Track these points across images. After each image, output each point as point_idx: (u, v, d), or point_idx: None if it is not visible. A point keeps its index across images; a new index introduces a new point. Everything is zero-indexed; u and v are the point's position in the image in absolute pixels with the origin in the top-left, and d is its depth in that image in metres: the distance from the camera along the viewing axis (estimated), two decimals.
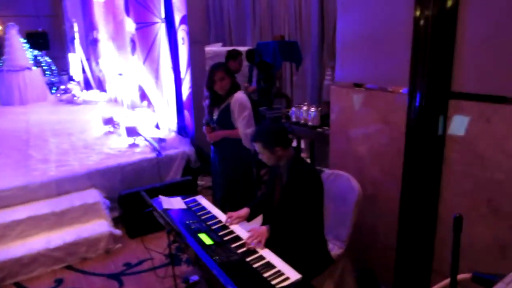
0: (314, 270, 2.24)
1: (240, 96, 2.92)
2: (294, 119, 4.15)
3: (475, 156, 2.02)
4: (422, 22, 2.10)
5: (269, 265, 1.90)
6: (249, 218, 2.40)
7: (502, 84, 1.86)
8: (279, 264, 1.91)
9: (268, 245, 2.07)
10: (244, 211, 2.39)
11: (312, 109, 3.88)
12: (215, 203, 3.17)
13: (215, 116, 3.00)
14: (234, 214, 2.35)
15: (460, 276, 0.69)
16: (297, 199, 2.16)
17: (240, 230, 2.27)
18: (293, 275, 1.80)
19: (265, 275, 1.82)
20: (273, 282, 1.76)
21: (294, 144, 4.73)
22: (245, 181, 3.07)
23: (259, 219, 2.47)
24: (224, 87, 2.88)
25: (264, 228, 2.13)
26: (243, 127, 2.91)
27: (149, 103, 6.09)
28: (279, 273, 1.83)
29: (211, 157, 3.26)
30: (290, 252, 2.09)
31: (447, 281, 0.71)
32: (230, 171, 3.02)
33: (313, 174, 2.23)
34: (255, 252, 2.02)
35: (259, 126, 2.31)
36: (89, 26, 9.47)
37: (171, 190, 3.68)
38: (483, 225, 2.04)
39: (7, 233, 3.34)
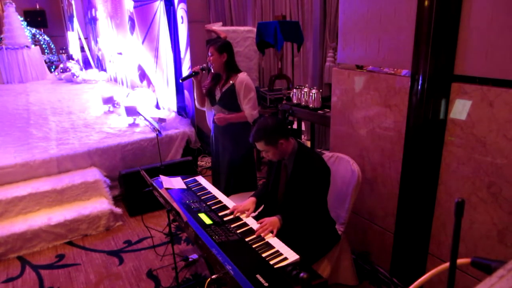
0: (325, 250, 2.28)
1: (244, 77, 2.91)
2: (295, 101, 4.13)
3: (476, 140, 2.01)
4: (426, 2, 2.06)
5: (268, 246, 1.92)
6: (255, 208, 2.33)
7: (507, 68, 1.84)
8: (278, 244, 1.93)
9: (280, 233, 2.03)
10: (250, 202, 2.31)
11: (313, 91, 3.85)
12: (215, 183, 3.19)
13: (217, 96, 2.98)
14: (240, 207, 2.28)
15: (459, 261, 0.69)
16: (306, 190, 2.13)
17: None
18: (292, 256, 1.83)
19: (264, 255, 1.84)
20: (272, 262, 1.78)
21: (295, 126, 4.72)
22: (246, 162, 3.08)
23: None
24: (213, 63, 2.88)
25: (275, 218, 2.08)
26: (250, 108, 2.93)
27: (149, 83, 6.05)
28: (278, 254, 1.85)
29: (210, 137, 3.26)
30: (301, 237, 2.10)
31: (446, 265, 0.71)
32: (232, 151, 3.02)
33: (320, 163, 2.18)
34: (254, 232, 2.04)
35: (256, 125, 2.19)
36: (87, 4, 9.31)
37: (171, 170, 3.69)
38: (482, 210, 2.05)
39: (10, 209, 3.39)
